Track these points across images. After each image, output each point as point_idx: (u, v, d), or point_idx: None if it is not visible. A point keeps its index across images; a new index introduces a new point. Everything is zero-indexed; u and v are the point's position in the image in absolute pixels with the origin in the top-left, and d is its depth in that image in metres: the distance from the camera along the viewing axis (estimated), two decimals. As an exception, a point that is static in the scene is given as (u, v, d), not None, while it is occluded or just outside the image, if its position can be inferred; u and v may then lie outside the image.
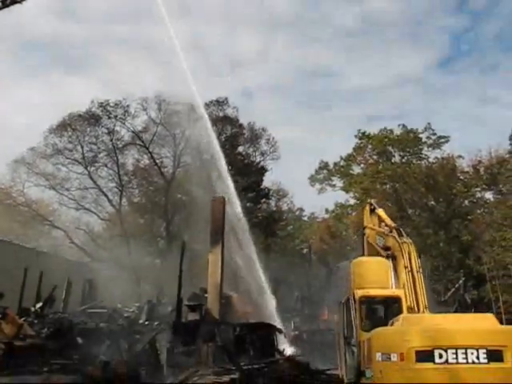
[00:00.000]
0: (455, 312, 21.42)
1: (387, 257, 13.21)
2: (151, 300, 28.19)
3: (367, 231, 15.14)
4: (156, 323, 22.21)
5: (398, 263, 12.79)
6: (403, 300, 12.11)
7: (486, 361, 9.68)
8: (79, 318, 22.64)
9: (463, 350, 9.72)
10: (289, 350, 20.31)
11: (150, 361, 16.71)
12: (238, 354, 16.68)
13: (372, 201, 16.29)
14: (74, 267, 39.30)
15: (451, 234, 40.27)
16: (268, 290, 27.13)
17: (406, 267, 12.54)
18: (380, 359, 10.05)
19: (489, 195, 45.36)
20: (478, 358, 9.69)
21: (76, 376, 11.78)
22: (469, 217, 41.94)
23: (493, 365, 9.67)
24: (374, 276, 12.61)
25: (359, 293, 12.10)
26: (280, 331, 20.14)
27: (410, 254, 12.71)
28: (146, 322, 23.49)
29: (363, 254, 14.63)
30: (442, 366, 9.67)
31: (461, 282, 34.12)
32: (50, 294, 25.45)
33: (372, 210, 15.53)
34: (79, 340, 18.64)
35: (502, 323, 13.19)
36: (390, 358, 9.89)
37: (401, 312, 11.88)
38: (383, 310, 12.82)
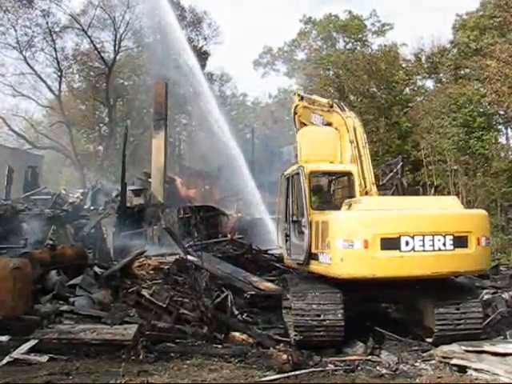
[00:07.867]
0: (392, 195, 21.30)
1: None
2: (95, 185, 28.26)
3: (300, 110, 14.46)
4: (101, 208, 22.44)
5: (342, 138, 12.10)
6: (355, 176, 11.48)
7: (451, 247, 9.52)
8: (23, 205, 22.53)
9: (430, 237, 9.46)
10: None
11: (97, 244, 16.98)
12: (183, 236, 17.06)
13: (299, 91, 15.64)
14: (15, 155, 38.67)
15: (391, 120, 41.13)
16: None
17: (351, 142, 11.81)
18: (341, 246, 9.41)
19: (429, 83, 46.25)
20: (444, 244, 9.50)
21: (23, 258, 11.86)
22: (409, 104, 42.78)
23: (458, 251, 9.55)
24: (323, 148, 12.09)
25: (309, 167, 11.19)
26: (224, 214, 20.61)
27: (355, 129, 12.02)
28: (91, 208, 23.70)
29: None
30: (408, 254, 9.37)
31: (399, 166, 35.18)
32: (-9, 181, 25.10)
33: (301, 98, 14.85)
34: (25, 226, 18.66)
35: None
36: (352, 246, 9.33)
37: (353, 189, 11.54)
38: (331, 187, 12.61)
